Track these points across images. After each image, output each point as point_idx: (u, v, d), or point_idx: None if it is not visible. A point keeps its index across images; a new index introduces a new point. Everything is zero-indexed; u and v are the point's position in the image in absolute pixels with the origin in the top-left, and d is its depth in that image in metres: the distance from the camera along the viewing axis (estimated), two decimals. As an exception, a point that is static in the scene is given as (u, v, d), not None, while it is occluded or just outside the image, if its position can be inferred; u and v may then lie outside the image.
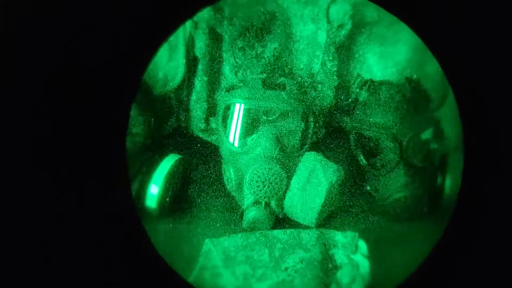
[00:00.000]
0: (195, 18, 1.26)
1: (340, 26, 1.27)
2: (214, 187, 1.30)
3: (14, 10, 0.80)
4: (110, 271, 0.90)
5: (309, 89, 1.32)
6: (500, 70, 0.87)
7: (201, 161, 1.34)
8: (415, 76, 1.22)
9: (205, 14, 1.26)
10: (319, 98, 1.33)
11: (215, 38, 1.29)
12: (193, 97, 1.34)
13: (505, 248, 0.86)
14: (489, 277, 0.86)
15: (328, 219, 1.21)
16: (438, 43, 0.94)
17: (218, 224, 1.20)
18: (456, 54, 0.91)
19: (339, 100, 1.34)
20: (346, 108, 1.32)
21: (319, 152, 1.24)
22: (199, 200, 1.28)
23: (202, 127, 1.37)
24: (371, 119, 1.24)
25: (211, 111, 1.34)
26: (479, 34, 0.87)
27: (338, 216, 1.23)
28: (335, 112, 1.35)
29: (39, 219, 0.82)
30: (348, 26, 1.27)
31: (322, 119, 1.33)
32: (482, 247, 0.89)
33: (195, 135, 1.40)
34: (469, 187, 0.93)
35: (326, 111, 1.34)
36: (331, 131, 1.36)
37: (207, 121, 1.36)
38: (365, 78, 1.28)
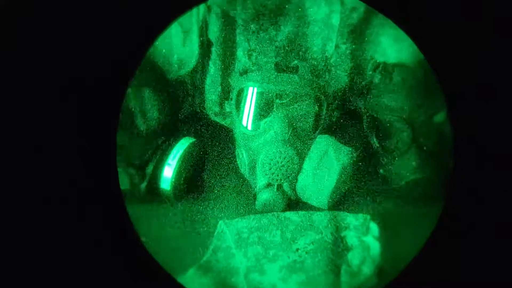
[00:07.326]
0: (209, 1, 1.26)
1: (354, 9, 1.26)
2: (228, 170, 1.33)
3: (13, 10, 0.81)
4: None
5: (322, 72, 1.32)
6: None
7: (215, 144, 1.36)
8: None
9: (217, -3, 1.26)
10: (333, 81, 1.32)
11: (228, 21, 1.29)
12: (207, 81, 1.35)
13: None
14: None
15: (340, 201, 1.22)
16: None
17: (231, 207, 1.22)
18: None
19: (353, 83, 1.33)
20: (360, 91, 1.31)
21: (332, 135, 1.24)
22: (213, 183, 1.31)
23: (216, 111, 1.38)
24: (384, 102, 1.24)
25: (225, 94, 1.35)
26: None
27: (350, 199, 1.24)
28: (349, 95, 1.35)
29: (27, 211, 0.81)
30: (361, 8, 1.25)
31: (336, 102, 1.33)
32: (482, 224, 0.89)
33: (209, 119, 1.41)
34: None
35: (339, 94, 1.34)
36: (344, 114, 1.36)
37: (221, 104, 1.37)
38: (378, 60, 1.27)
